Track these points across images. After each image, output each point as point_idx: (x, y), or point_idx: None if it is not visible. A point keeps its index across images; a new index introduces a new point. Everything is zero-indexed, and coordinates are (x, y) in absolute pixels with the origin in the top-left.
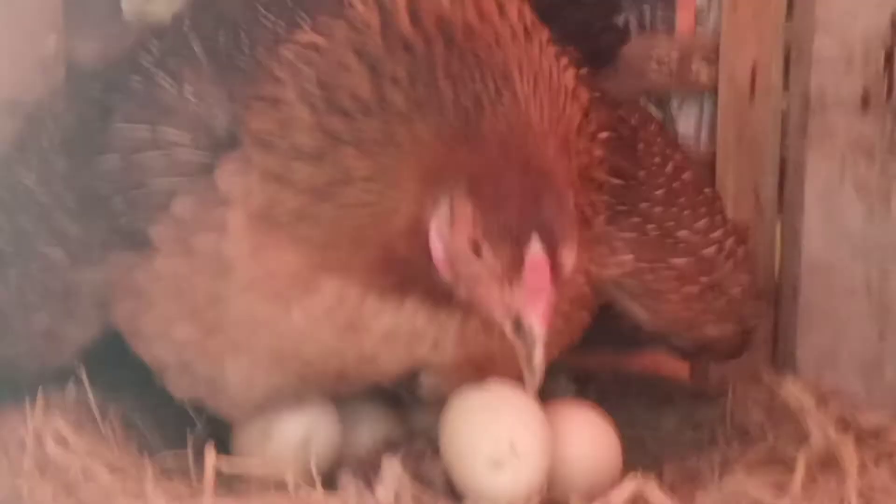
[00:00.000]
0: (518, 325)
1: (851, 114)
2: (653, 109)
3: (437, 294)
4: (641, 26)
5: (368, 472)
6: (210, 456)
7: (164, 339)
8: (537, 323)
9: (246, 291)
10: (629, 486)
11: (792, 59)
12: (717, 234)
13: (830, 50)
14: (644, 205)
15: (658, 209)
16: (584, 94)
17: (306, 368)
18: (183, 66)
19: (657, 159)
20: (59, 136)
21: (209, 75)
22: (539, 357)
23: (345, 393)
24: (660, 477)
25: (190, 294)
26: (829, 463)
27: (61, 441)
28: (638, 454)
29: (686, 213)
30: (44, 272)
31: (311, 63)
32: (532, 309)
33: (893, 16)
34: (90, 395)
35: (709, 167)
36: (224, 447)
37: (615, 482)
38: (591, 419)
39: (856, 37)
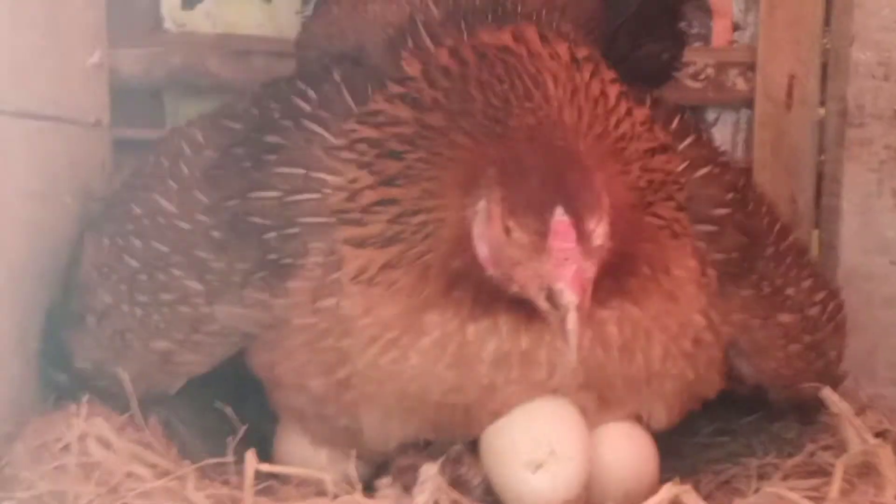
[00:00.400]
0: (551, 295)
1: (889, 125)
2: None
3: (522, 308)
4: None
5: (407, 477)
6: (250, 459)
7: (302, 391)
8: (567, 287)
9: (367, 347)
10: (666, 494)
11: (829, 70)
12: (820, 295)
13: (868, 62)
14: (760, 263)
15: (770, 266)
16: (661, 134)
17: (435, 412)
18: (336, 120)
19: (766, 220)
20: (200, 166)
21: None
22: (573, 321)
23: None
24: (697, 485)
25: (321, 351)
26: (867, 471)
27: (105, 444)
28: (675, 462)
29: (793, 272)
30: (175, 300)
31: (364, 130)
32: (561, 274)
33: None
34: (134, 402)
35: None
36: (263, 454)
37: (652, 489)
38: (629, 427)
39: (893, 49)
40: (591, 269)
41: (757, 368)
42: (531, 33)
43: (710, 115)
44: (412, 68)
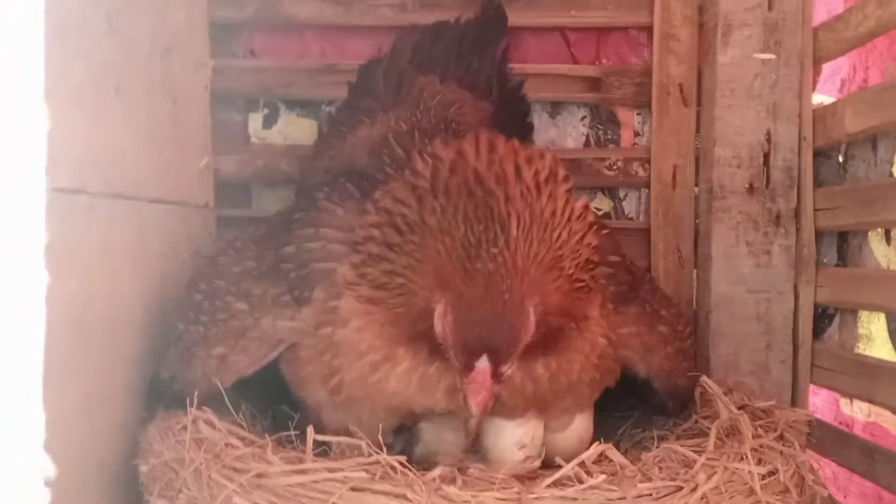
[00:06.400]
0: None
1: (742, 198)
2: (606, 198)
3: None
4: (598, 141)
5: (409, 438)
6: (310, 432)
7: (317, 391)
8: (475, 406)
9: (354, 363)
10: (596, 450)
11: (700, 162)
12: (683, 319)
13: (726, 155)
14: (641, 292)
15: (649, 296)
16: (591, 217)
17: (409, 413)
18: (340, 199)
19: (645, 274)
20: (250, 238)
21: (356, 200)
22: (473, 424)
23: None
24: (618, 444)
25: (321, 365)
26: (732, 432)
27: (211, 425)
28: (605, 429)
29: (663, 301)
30: (228, 317)
31: (385, 199)
32: (473, 397)
33: (767, 132)
34: (226, 398)
35: (645, 236)
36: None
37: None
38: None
39: (743, 146)
40: (497, 389)
41: (646, 363)
42: (510, 172)
43: (621, 193)
44: (425, 168)
